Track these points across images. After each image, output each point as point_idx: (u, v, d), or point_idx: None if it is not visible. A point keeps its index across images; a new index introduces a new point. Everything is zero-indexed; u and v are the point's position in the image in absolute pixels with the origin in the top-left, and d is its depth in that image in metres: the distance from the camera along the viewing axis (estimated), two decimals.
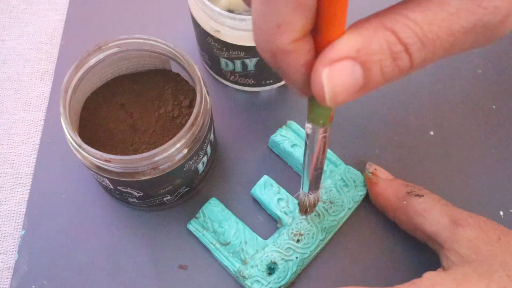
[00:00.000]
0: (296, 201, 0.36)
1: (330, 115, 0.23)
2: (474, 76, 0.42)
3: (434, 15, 0.18)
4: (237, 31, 0.33)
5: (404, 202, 0.33)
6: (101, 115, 0.34)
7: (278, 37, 0.18)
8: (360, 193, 0.36)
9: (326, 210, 0.36)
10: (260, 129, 0.40)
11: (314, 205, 0.32)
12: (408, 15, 0.18)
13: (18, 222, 0.37)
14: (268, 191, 0.36)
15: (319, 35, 0.19)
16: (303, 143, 0.37)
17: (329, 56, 0.18)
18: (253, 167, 0.39)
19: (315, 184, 0.30)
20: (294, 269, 0.34)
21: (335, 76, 0.18)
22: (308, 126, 0.24)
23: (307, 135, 0.25)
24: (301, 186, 0.31)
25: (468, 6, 0.18)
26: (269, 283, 0.34)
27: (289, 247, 0.35)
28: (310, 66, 0.19)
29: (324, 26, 0.18)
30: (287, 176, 0.38)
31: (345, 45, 0.18)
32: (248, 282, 0.34)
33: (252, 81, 0.39)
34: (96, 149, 0.29)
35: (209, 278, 0.35)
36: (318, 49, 0.19)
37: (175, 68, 0.35)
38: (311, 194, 0.31)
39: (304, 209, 0.33)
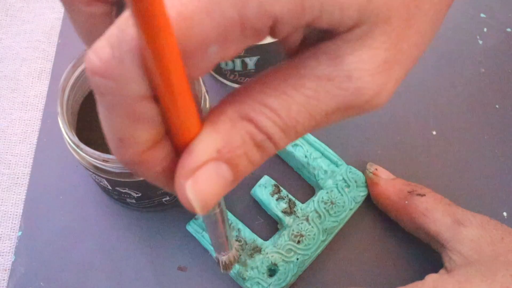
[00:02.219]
0: (298, 203, 0.36)
1: None
2: (477, 75, 0.42)
3: (291, 100, 0.17)
4: None
5: (406, 202, 0.33)
6: (99, 115, 0.34)
7: (123, 151, 0.17)
8: (362, 193, 0.36)
9: (327, 210, 0.36)
10: None
11: (234, 261, 0.31)
12: (264, 101, 0.17)
13: (14, 223, 0.37)
14: (268, 192, 0.36)
15: (174, 139, 0.17)
16: (304, 143, 0.37)
17: (189, 166, 0.17)
18: None
19: (224, 247, 0.29)
20: (295, 271, 0.34)
21: (201, 184, 0.17)
22: None
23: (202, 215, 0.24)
24: (215, 250, 0.30)
25: (327, 88, 0.17)
26: (269, 285, 0.34)
27: (289, 249, 0.35)
28: (170, 171, 0.18)
29: (176, 131, 0.17)
30: (287, 176, 0.38)
31: (204, 148, 0.17)
32: (248, 284, 0.34)
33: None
34: (94, 149, 0.29)
35: (208, 280, 0.35)
36: (176, 149, 0.18)
37: None
38: (224, 255, 0.30)
39: (225, 268, 0.31)
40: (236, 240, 0.31)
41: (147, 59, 0.15)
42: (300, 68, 0.17)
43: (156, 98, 0.16)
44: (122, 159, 0.17)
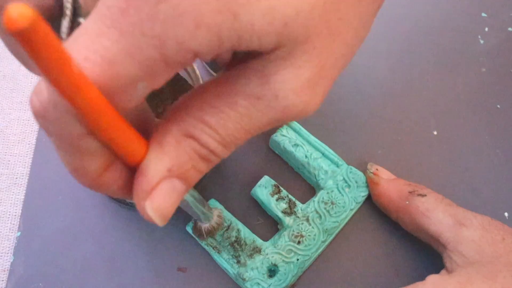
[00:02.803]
0: (298, 203, 0.36)
1: None
2: (478, 74, 0.42)
3: (227, 117, 0.18)
4: None
5: (407, 202, 0.33)
6: None
7: (80, 179, 0.18)
8: (362, 193, 0.36)
9: (328, 211, 0.36)
10: None
11: (217, 228, 0.32)
12: (203, 118, 0.18)
13: (13, 224, 0.37)
14: (269, 192, 0.36)
15: (124, 162, 0.19)
16: (305, 143, 0.37)
17: (144, 188, 0.18)
18: (253, 168, 0.39)
19: (204, 217, 0.30)
20: (295, 271, 0.34)
21: (157, 202, 0.19)
22: None
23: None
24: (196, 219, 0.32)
25: (257, 107, 0.18)
26: (269, 285, 0.34)
27: (289, 249, 0.35)
28: (128, 186, 0.19)
29: (121, 158, 0.18)
30: (288, 176, 0.38)
31: (155, 170, 0.18)
32: (248, 285, 0.34)
33: None
34: None
35: (208, 281, 0.35)
36: (129, 167, 0.19)
37: None
38: (205, 224, 0.32)
39: (207, 234, 0.33)
40: (216, 209, 0.32)
41: (70, 106, 0.15)
42: (232, 85, 0.19)
43: (93, 133, 0.17)
44: (82, 184, 0.19)
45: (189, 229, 0.36)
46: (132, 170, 0.19)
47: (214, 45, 0.16)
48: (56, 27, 0.20)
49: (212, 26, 0.16)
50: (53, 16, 0.20)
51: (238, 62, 0.19)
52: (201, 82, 0.31)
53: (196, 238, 0.34)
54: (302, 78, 0.18)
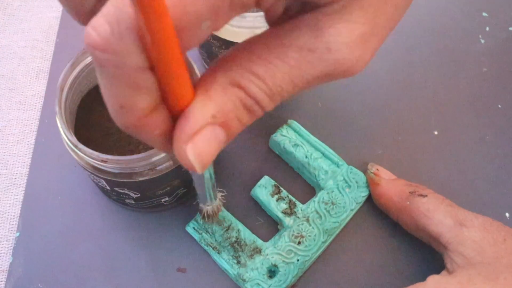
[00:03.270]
0: (298, 203, 0.36)
1: None
2: (479, 74, 0.42)
3: (275, 68, 0.19)
4: (237, 29, 0.33)
5: (408, 203, 0.33)
6: (97, 115, 0.34)
7: (124, 117, 0.18)
8: (363, 194, 0.36)
9: (328, 211, 0.36)
10: (260, 128, 0.40)
11: (217, 211, 0.33)
12: (251, 68, 0.19)
13: (12, 224, 0.37)
14: (269, 192, 0.36)
15: (168, 105, 0.19)
16: (305, 143, 0.37)
17: (187, 131, 0.18)
18: (253, 168, 0.39)
19: (210, 197, 0.31)
20: (295, 272, 0.34)
21: (199, 147, 0.19)
22: None
23: (191, 172, 0.26)
24: (199, 200, 0.32)
25: (308, 59, 0.19)
26: (269, 286, 0.34)
27: (290, 250, 0.35)
28: (168, 133, 0.19)
29: (172, 98, 0.18)
30: (288, 176, 0.38)
31: (200, 114, 0.18)
32: (248, 286, 0.34)
33: None
34: (92, 149, 0.29)
35: (208, 282, 0.35)
36: (172, 114, 0.19)
37: None
38: (208, 206, 0.31)
39: (204, 217, 0.33)
40: (220, 191, 0.32)
41: (144, 36, 0.16)
42: (283, 38, 0.19)
43: (152, 69, 0.17)
44: (122, 124, 0.19)
45: (188, 229, 0.36)
46: (174, 119, 0.19)
47: None
48: None
49: None
50: None
51: (287, 18, 0.20)
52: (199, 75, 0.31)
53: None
54: (356, 33, 0.19)
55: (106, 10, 0.16)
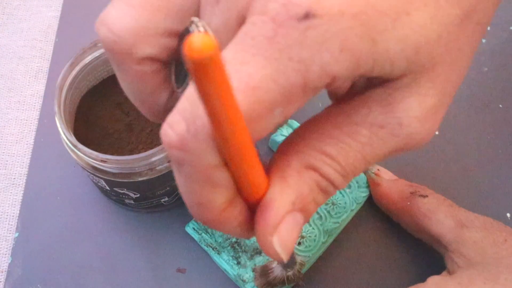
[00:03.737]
0: None
1: None
2: (479, 74, 0.42)
3: (348, 148, 0.19)
4: None
5: (408, 203, 0.33)
6: (96, 114, 0.34)
7: (202, 213, 0.19)
8: (363, 194, 0.36)
9: (328, 212, 0.36)
10: None
11: (296, 278, 0.31)
12: (323, 149, 0.19)
13: (11, 224, 0.37)
14: None
15: (245, 198, 0.19)
16: None
17: (271, 222, 0.19)
18: None
19: (292, 263, 0.30)
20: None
21: (284, 236, 0.19)
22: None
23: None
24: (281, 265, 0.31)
25: (380, 135, 0.19)
26: None
27: None
28: (247, 223, 0.20)
29: (246, 191, 0.18)
30: None
31: (280, 203, 0.19)
32: (248, 286, 0.34)
33: None
34: (92, 149, 0.29)
35: (208, 282, 0.35)
36: (248, 203, 0.19)
37: None
38: (290, 271, 0.31)
39: (281, 282, 0.31)
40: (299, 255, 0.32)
41: (215, 133, 0.16)
42: (352, 115, 0.19)
43: (227, 165, 0.17)
44: (202, 221, 0.19)
45: (188, 229, 0.36)
46: (250, 207, 0.20)
47: (352, 70, 0.17)
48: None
49: (355, 50, 0.16)
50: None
51: (352, 95, 0.20)
52: None
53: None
54: (426, 106, 0.19)
55: (182, 106, 0.16)
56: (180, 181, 0.18)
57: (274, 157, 0.20)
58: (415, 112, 0.19)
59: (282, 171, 0.19)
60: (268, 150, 0.39)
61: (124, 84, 0.22)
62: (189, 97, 0.16)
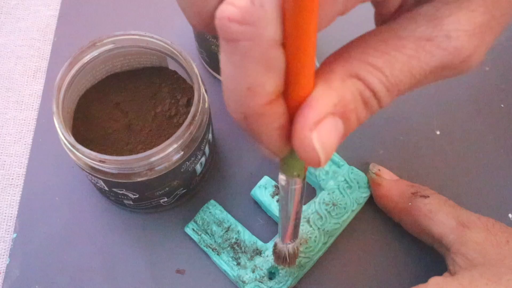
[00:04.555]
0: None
1: (305, 166, 0.23)
2: (481, 73, 0.42)
3: (394, 60, 0.19)
4: None
5: (409, 204, 0.33)
6: (95, 114, 0.34)
7: (250, 100, 0.18)
8: (364, 194, 0.36)
9: (329, 212, 0.36)
10: None
11: (295, 256, 0.32)
12: (369, 60, 0.19)
13: (9, 225, 0.37)
14: (269, 193, 0.36)
15: (289, 94, 0.19)
16: None
17: (312, 119, 0.18)
18: (253, 168, 0.39)
19: (294, 233, 0.30)
20: (296, 274, 0.34)
21: (324, 136, 0.19)
22: (282, 177, 0.24)
23: (281, 186, 0.25)
24: (279, 236, 0.31)
25: (427, 48, 0.19)
26: None
27: None
28: (284, 130, 0.19)
29: (294, 83, 0.18)
30: None
31: (323, 102, 0.18)
32: (248, 287, 0.34)
33: None
34: (90, 149, 0.29)
35: (207, 283, 0.35)
36: (290, 110, 0.19)
37: (172, 66, 0.36)
38: (289, 244, 0.31)
39: (283, 260, 0.32)
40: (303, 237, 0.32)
41: (288, 4, 0.16)
42: (399, 31, 0.19)
43: (284, 46, 0.17)
44: (243, 109, 0.18)
45: (187, 230, 0.36)
46: (290, 114, 0.19)
47: None
48: None
49: None
50: None
51: (397, 16, 0.20)
52: (200, 82, 0.31)
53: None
54: (475, 21, 0.19)
55: None
56: (230, 62, 0.18)
57: (319, 67, 0.20)
58: (463, 26, 0.19)
59: (326, 77, 0.19)
60: None
61: None
62: None
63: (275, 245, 0.32)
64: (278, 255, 0.32)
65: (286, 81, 0.18)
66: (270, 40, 0.17)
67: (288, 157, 0.22)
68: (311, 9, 0.16)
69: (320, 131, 0.18)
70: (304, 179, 0.24)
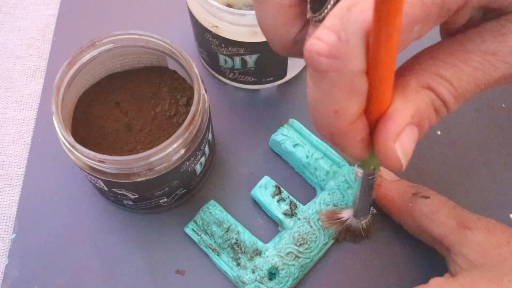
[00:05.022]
0: (299, 204, 0.36)
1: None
2: None
3: (461, 71, 0.21)
4: (237, 27, 0.33)
5: (410, 204, 0.33)
6: (95, 114, 0.34)
7: (336, 121, 0.20)
8: None
9: None
10: (260, 128, 0.40)
11: (368, 229, 0.35)
12: (439, 72, 0.21)
13: (8, 225, 0.37)
14: (269, 193, 0.36)
15: (371, 108, 0.21)
16: (306, 143, 0.37)
17: (395, 130, 0.21)
18: (253, 168, 0.39)
19: (368, 210, 0.34)
20: (296, 275, 0.34)
21: (405, 145, 0.21)
22: (359, 171, 0.29)
23: (357, 177, 0.30)
24: (354, 214, 0.34)
25: (492, 62, 0.21)
26: None
27: (290, 252, 0.35)
28: (366, 141, 0.22)
29: (377, 102, 0.21)
30: (288, 177, 0.38)
31: (403, 115, 0.21)
32: None
33: (252, 79, 0.39)
34: (90, 149, 0.29)
35: (207, 284, 0.35)
36: (370, 121, 0.21)
37: (172, 65, 0.36)
38: (363, 220, 0.34)
39: (359, 234, 0.35)
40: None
41: (374, 38, 0.18)
42: (466, 45, 0.22)
43: (367, 73, 0.19)
44: (329, 129, 0.21)
45: (187, 230, 0.36)
46: (370, 126, 0.22)
47: None
48: None
49: None
50: None
51: (467, 28, 0.22)
52: (200, 82, 0.31)
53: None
54: None
55: (330, 22, 0.19)
56: (318, 90, 0.20)
57: (396, 79, 0.22)
58: None
59: (403, 89, 0.21)
60: (269, 150, 0.39)
61: (261, 14, 0.24)
62: (336, 14, 0.19)
63: (349, 224, 0.35)
64: (354, 233, 0.35)
65: (369, 98, 0.20)
66: (355, 71, 0.19)
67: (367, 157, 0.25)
68: (392, 45, 0.18)
69: (401, 141, 0.21)
70: (378, 170, 0.29)
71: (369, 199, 0.32)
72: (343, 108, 0.20)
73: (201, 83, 0.31)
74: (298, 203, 0.36)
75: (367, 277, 0.36)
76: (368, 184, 0.30)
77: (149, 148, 0.32)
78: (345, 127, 0.21)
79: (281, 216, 0.36)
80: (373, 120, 0.21)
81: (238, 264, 0.35)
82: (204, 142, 0.33)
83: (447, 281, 0.28)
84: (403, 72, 0.22)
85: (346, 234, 0.36)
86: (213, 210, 0.36)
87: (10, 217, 0.38)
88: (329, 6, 0.21)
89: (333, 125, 0.21)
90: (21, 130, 0.40)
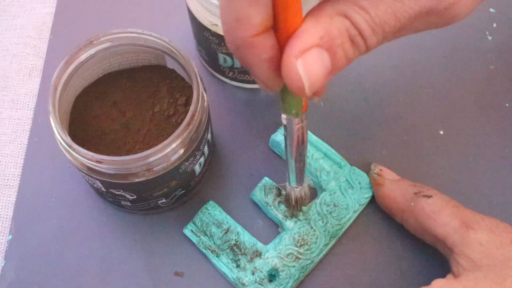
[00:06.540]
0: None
1: (303, 105, 0.25)
2: (486, 72, 0.42)
3: (379, 1, 0.21)
4: None
5: (412, 204, 0.33)
6: (92, 114, 0.35)
7: (238, 31, 0.20)
8: (366, 195, 0.36)
9: (330, 213, 0.36)
10: (260, 128, 0.40)
11: (302, 199, 0.34)
12: (356, 1, 0.21)
13: (4, 227, 0.37)
14: (269, 194, 0.36)
15: (279, 29, 0.21)
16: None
17: (299, 47, 0.20)
18: (252, 168, 0.39)
19: (299, 176, 0.32)
20: (296, 276, 0.34)
21: (309, 65, 0.20)
22: (283, 116, 0.27)
23: (284, 126, 0.27)
24: (287, 180, 0.33)
25: None
26: None
27: (291, 253, 0.35)
28: (274, 62, 0.21)
29: (282, 18, 0.20)
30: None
31: (310, 34, 0.20)
32: None
33: (252, 78, 0.39)
34: (87, 149, 0.29)
35: (206, 286, 0.36)
36: (280, 44, 0.21)
37: (170, 64, 0.36)
38: (296, 188, 0.33)
39: (292, 204, 0.34)
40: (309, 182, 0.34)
41: None
42: None
43: None
44: (235, 41, 0.21)
45: (186, 231, 0.36)
46: (281, 48, 0.21)
47: None
48: None
49: None
50: None
51: None
52: (199, 81, 0.31)
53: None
54: None
55: None
56: None
57: (314, 7, 0.22)
58: None
59: (315, 14, 0.21)
60: (269, 150, 0.39)
61: (255, 68, 0.23)
62: None
63: (287, 194, 0.34)
64: (287, 198, 0.34)
65: (275, 17, 0.20)
66: None
67: (286, 94, 0.24)
68: None
69: (305, 59, 0.20)
70: (304, 119, 0.27)
71: (300, 157, 0.30)
72: (245, 15, 0.20)
73: (200, 82, 0.31)
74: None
75: (369, 278, 0.36)
76: (295, 135, 0.27)
77: (148, 148, 0.32)
78: (248, 39, 0.20)
79: (281, 217, 0.36)
80: (283, 42, 0.21)
81: (238, 266, 0.35)
82: (203, 142, 0.33)
83: (450, 282, 0.28)
84: (322, 1, 0.22)
85: (288, 207, 0.35)
86: (212, 211, 0.36)
87: (6, 218, 0.38)
88: None
89: (236, 35, 0.20)
90: (17, 129, 0.40)
